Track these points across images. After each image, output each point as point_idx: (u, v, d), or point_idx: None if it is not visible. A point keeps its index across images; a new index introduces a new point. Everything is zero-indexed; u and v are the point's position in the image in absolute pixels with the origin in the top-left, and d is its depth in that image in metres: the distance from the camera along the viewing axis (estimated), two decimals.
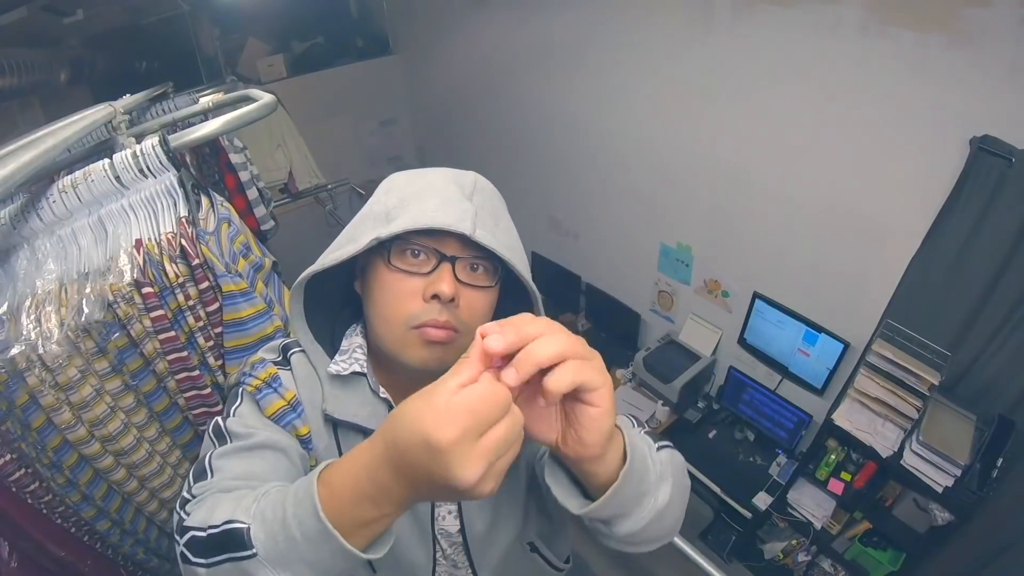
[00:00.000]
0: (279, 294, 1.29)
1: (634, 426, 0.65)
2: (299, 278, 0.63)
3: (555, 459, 0.57)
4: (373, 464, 0.45)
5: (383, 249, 0.61)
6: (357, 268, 0.68)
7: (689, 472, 0.64)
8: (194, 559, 0.50)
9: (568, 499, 0.55)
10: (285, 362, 0.70)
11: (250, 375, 0.68)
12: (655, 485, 0.55)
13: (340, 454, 0.70)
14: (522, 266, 0.62)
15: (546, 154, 3.16)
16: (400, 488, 0.44)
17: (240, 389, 0.68)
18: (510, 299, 0.68)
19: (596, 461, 0.50)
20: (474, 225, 0.58)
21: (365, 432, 0.67)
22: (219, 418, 0.66)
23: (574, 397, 0.45)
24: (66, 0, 2.04)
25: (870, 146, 1.85)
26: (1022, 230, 1.59)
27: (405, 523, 0.70)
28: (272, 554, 0.47)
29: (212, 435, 0.65)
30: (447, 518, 0.73)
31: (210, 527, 0.50)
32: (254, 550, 0.47)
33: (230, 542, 0.48)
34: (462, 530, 0.73)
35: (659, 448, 0.61)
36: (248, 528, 0.48)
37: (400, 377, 0.67)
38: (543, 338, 0.43)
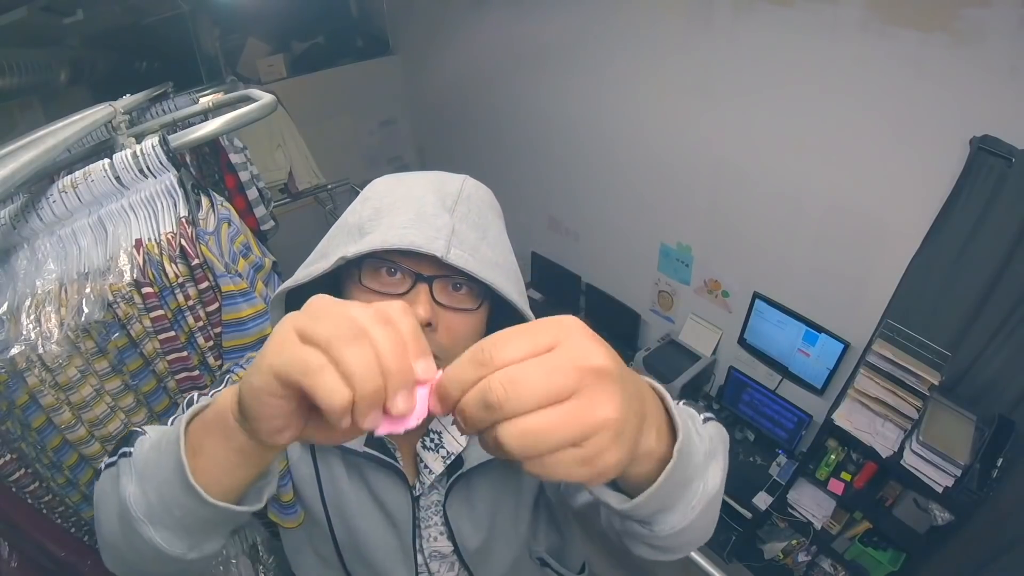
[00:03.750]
0: None
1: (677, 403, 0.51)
2: (276, 293, 0.60)
3: None
4: None
5: (354, 267, 0.56)
6: (339, 279, 0.62)
7: None
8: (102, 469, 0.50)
9: (604, 493, 0.45)
10: None
11: (241, 366, 0.69)
12: (703, 466, 0.46)
13: (316, 467, 0.69)
14: (510, 285, 0.55)
15: (546, 154, 3.15)
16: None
17: (227, 376, 0.69)
18: (514, 315, 0.60)
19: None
20: (448, 244, 0.52)
21: (343, 450, 0.66)
22: (196, 392, 0.65)
23: None
24: (66, 0, 2.03)
25: (870, 146, 1.85)
26: (1022, 230, 1.59)
27: (385, 541, 0.69)
28: (140, 461, 0.45)
29: (184, 406, 0.64)
30: (439, 539, 0.71)
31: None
32: (131, 449, 0.46)
33: (124, 441, 0.48)
34: (456, 550, 0.71)
35: (704, 421, 0.52)
36: (143, 433, 0.47)
37: None
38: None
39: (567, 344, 0.31)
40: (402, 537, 0.70)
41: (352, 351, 0.30)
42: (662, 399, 0.43)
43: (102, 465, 0.50)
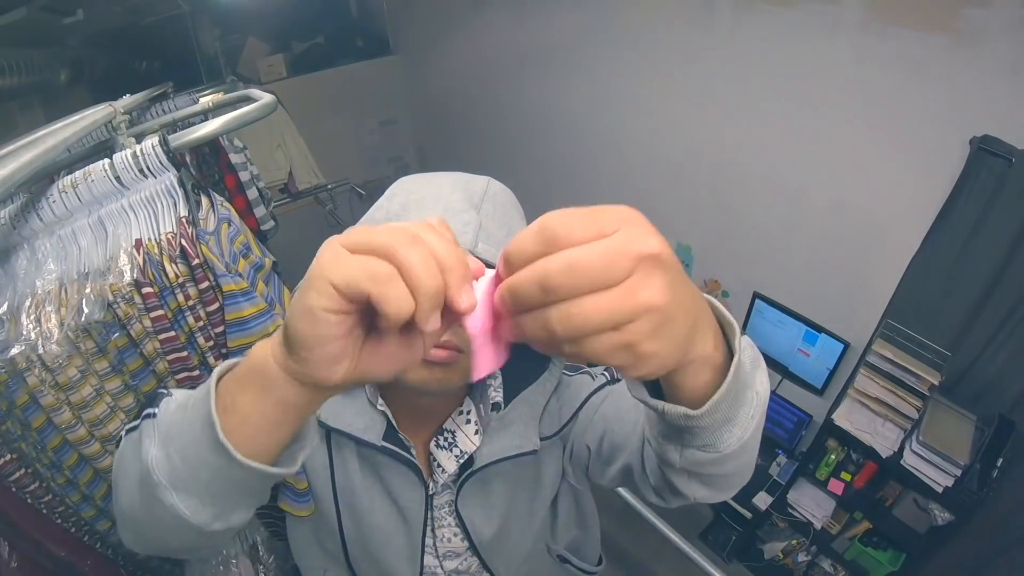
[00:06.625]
0: (279, 294, 1.29)
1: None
2: (299, 284, 0.60)
3: None
4: None
5: None
6: None
7: None
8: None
9: (674, 406, 0.41)
10: None
11: None
12: (751, 374, 0.43)
13: (331, 464, 0.68)
14: None
15: (546, 154, 3.16)
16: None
17: None
18: None
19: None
20: (476, 238, 0.54)
21: (359, 442, 0.65)
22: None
23: None
24: (66, 0, 2.03)
25: (870, 146, 1.85)
26: (1022, 230, 1.59)
27: (394, 538, 0.69)
28: (164, 423, 0.43)
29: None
30: (452, 540, 0.71)
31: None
32: (155, 411, 0.44)
33: (148, 401, 0.46)
34: (471, 545, 0.71)
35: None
36: (169, 395, 0.46)
37: (400, 392, 0.65)
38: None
39: (627, 230, 0.30)
40: (412, 536, 0.70)
41: (412, 252, 0.30)
42: (711, 305, 0.40)
43: (123, 431, 0.48)
